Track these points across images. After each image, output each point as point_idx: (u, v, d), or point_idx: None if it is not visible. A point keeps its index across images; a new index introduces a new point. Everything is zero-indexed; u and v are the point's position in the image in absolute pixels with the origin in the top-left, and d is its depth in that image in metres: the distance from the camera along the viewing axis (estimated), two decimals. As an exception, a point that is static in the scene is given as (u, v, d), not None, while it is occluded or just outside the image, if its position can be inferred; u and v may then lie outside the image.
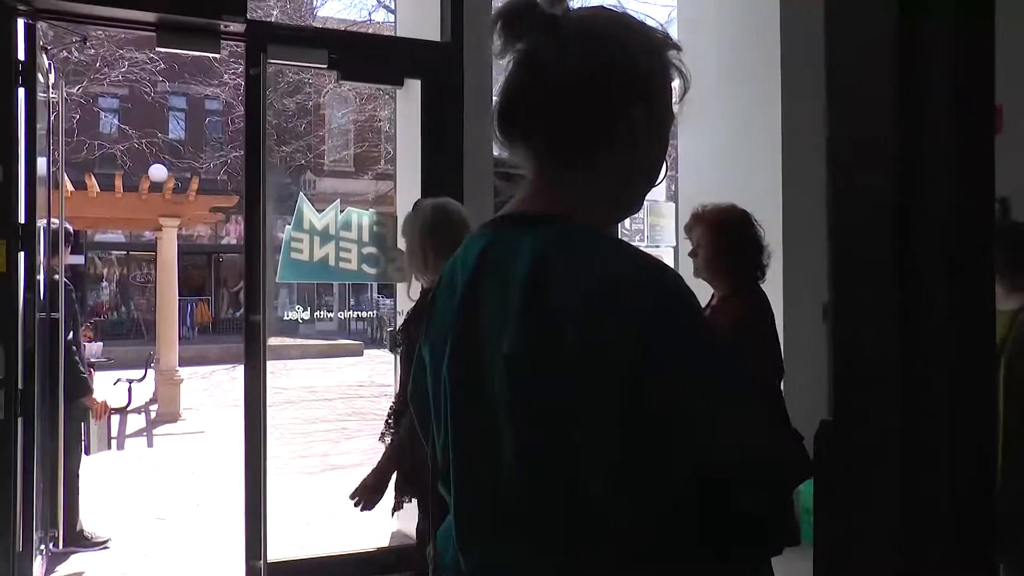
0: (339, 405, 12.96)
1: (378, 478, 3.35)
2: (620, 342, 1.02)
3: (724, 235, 3.27)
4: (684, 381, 1.04)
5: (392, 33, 7.90)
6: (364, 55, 5.38)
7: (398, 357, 3.53)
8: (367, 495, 3.33)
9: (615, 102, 1.17)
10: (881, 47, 0.94)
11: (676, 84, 1.24)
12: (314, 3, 23.71)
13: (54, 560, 5.27)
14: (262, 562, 4.58)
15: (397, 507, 3.45)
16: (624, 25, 1.20)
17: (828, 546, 1.04)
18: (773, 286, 3.40)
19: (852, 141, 0.97)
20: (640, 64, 1.18)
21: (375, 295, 24.35)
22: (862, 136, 0.95)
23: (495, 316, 1.13)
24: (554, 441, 1.06)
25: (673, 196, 8.69)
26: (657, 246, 7.78)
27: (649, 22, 1.22)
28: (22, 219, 4.28)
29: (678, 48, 1.23)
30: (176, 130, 26.21)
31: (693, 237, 3.37)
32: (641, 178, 1.25)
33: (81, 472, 5.79)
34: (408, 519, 5.27)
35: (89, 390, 5.88)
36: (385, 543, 5.44)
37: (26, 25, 4.30)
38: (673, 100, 1.24)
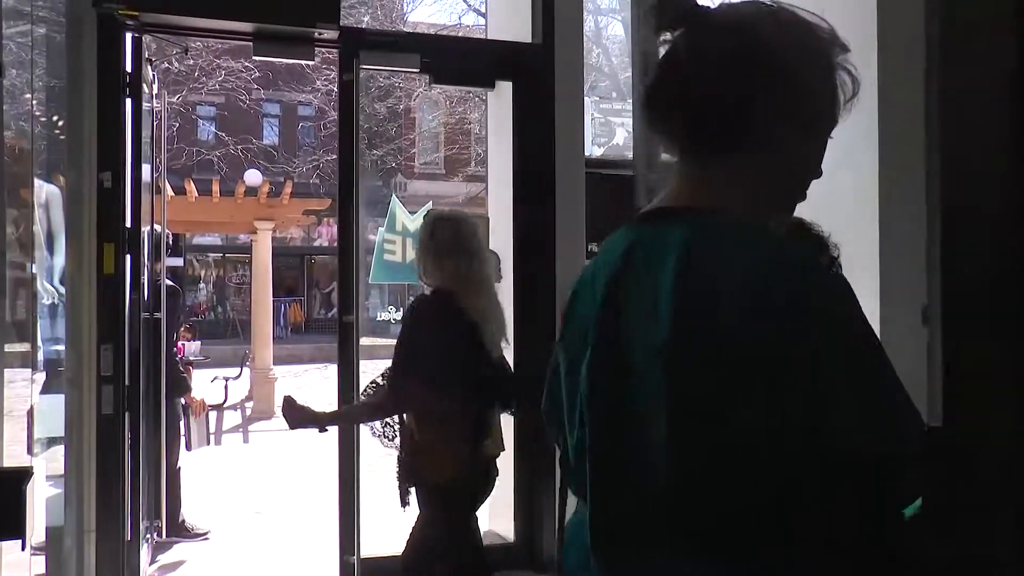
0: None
1: (321, 418, 3.40)
2: (766, 330, 1.02)
3: None
4: (825, 367, 1.02)
5: (482, 36, 7.96)
6: (455, 58, 5.44)
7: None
8: (293, 414, 3.30)
9: (752, 95, 1.16)
10: (994, 43, 0.93)
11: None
12: (404, 8, 24.00)
13: (158, 549, 5.47)
14: (355, 557, 4.67)
15: (403, 501, 3.42)
16: (771, 18, 1.19)
17: (939, 551, 1.03)
18: (869, 288, 3.33)
19: (963, 148, 0.96)
20: (784, 58, 1.17)
21: (463, 296, 24.50)
22: (973, 143, 0.94)
23: (643, 313, 1.11)
24: (711, 435, 1.05)
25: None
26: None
27: (813, 20, 1.21)
28: (128, 223, 4.46)
29: (844, 47, 1.21)
30: (270, 136, 26.79)
31: None
32: (787, 174, 1.22)
33: (181, 466, 5.99)
34: (501, 519, 5.33)
35: (188, 388, 6.08)
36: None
37: (133, 38, 4.48)
38: (841, 99, 1.22)
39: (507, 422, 5.44)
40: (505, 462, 5.22)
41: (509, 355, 5.14)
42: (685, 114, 1.19)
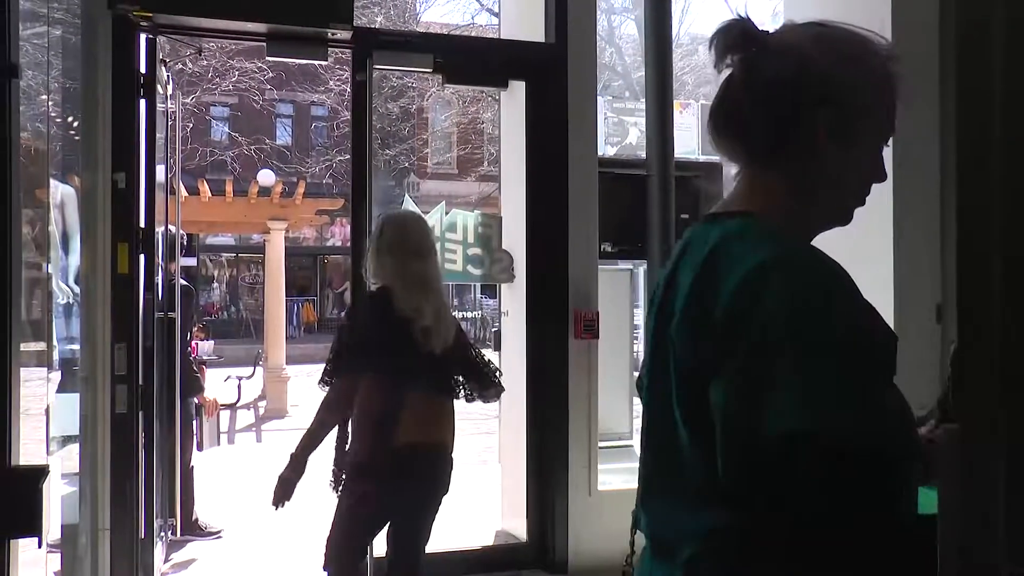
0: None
1: (295, 463, 3.45)
2: (750, 316, 1.14)
3: None
4: (791, 356, 1.12)
5: (495, 36, 7.96)
6: (469, 58, 5.46)
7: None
8: (279, 491, 3.44)
9: (800, 112, 1.27)
10: (1009, 40, 0.92)
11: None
12: (417, 8, 24.03)
13: (172, 547, 5.49)
14: (368, 557, 4.68)
15: (334, 485, 3.55)
16: (821, 39, 1.30)
17: (954, 553, 1.03)
18: (883, 286, 3.32)
19: (978, 147, 0.96)
20: (832, 77, 1.27)
21: (478, 295, 24.57)
22: (988, 142, 0.94)
23: (674, 305, 1.26)
24: (703, 407, 1.18)
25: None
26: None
27: (869, 36, 1.30)
28: (142, 223, 4.48)
29: (896, 61, 1.29)
30: (283, 136, 26.88)
31: None
32: (839, 182, 1.31)
33: (195, 465, 6.01)
34: (514, 518, 5.33)
35: (200, 388, 6.11)
36: (490, 542, 5.49)
37: (147, 40, 4.50)
38: (898, 110, 1.31)
39: (508, 423, 5.47)
40: (517, 462, 5.25)
41: (520, 351, 5.17)
42: (740, 130, 1.33)
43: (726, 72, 1.32)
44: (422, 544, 3.64)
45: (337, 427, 3.53)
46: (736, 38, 1.30)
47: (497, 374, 3.68)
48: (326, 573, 3.52)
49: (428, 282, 3.47)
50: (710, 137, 1.38)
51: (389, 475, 3.37)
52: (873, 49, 1.30)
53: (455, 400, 3.59)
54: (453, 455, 3.56)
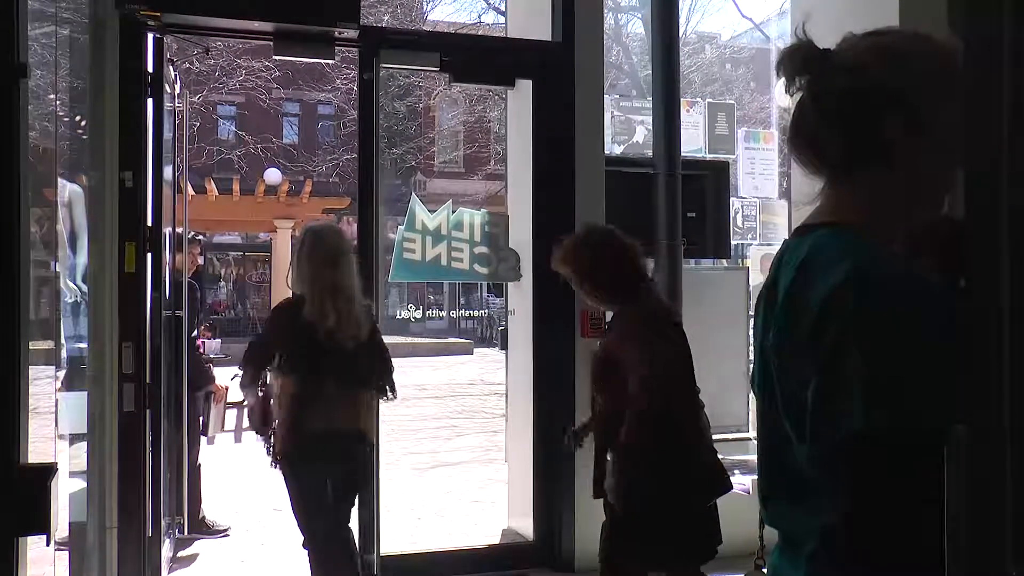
0: (449, 403, 13.12)
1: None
2: (835, 323, 1.20)
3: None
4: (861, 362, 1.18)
5: (502, 34, 7.96)
6: (476, 57, 5.45)
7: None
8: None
9: (863, 122, 1.32)
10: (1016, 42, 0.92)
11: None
12: (424, 7, 24.04)
13: (179, 545, 5.51)
14: (375, 555, 4.69)
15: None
16: (874, 47, 1.35)
17: (962, 556, 1.02)
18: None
19: (989, 148, 0.96)
20: (897, 89, 1.31)
21: (485, 294, 24.58)
22: (998, 143, 0.93)
23: (773, 312, 1.32)
24: (803, 411, 1.24)
25: (786, 193, 8.52)
26: (770, 244, 7.63)
27: (941, 42, 1.32)
28: (149, 222, 4.49)
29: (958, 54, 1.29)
30: (290, 135, 26.91)
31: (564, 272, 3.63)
32: (915, 189, 1.35)
33: (202, 463, 6.02)
34: (521, 518, 5.33)
35: (211, 378, 6.13)
36: (497, 540, 5.49)
37: (154, 39, 4.51)
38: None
39: (514, 421, 5.47)
40: (524, 461, 5.25)
41: (527, 350, 5.17)
42: (817, 148, 1.39)
43: (798, 95, 1.39)
44: (349, 515, 4.16)
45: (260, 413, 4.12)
46: (799, 62, 1.36)
47: (390, 384, 4.16)
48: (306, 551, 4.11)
49: (339, 288, 3.88)
50: (791, 156, 1.45)
51: (303, 457, 3.89)
52: (931, 48, 1.33)
53: (372, 390, 4.10)
54: (370, 438, 4.14)
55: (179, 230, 5.49)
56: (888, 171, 1.33)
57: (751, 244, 8.06)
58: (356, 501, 4.21)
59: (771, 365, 1.31)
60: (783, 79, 1.39)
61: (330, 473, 4.00)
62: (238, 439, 8.70)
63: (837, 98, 1.33)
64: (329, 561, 4.07)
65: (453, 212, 5.12)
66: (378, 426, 4.52)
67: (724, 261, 6.50)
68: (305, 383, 3.87)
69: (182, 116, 5.66)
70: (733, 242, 6.91)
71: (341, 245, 4.04)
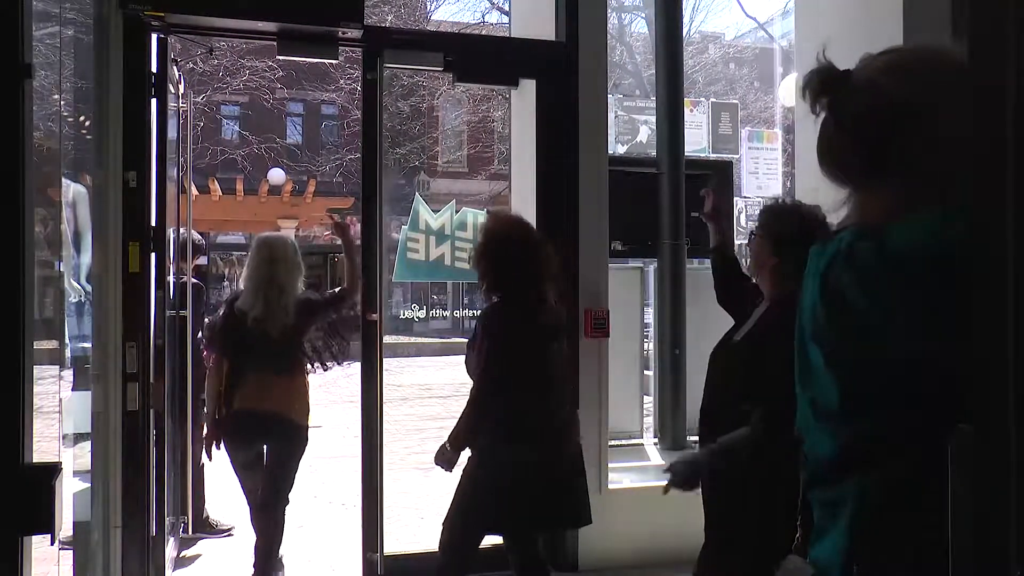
0: (453, 402, 13.11)
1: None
2: (855, 303, 1.32)
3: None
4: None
5: (506, 34, 7.96)
6: (479, 56, 5.45)
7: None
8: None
9: (879, 138, 1.40)
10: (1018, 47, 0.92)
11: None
12: (428, 7, 24.03)
13: (183, 545, 5.51)
14: (378, 554, 4.69)
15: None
16: (887, 65, 1.43)
17: (966, 555, 1.02)
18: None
19: (991, 147, 0.96)
20: (911, 104, 1.38)
21: (488, 294, 24.48)
22: (1005, 136, 0.93)
23: (809, 302, 1.43)
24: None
25: (789, 193, 8.52)
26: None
27: (937, 49, 1.43)
28: (153, 222, 4.49)
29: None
30: (293, 135, 26.89)
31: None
32: (936, 194, 1.38)
33: (205, 462, 6.02)
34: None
35: None
36: (500, 539, 5.48)
37: (159, 39, 4.52)
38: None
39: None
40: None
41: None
42: (841, 162, 1.49)
43: (823, 114, 1.48)
44: (281, 489, 4.70)
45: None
46: (819, 85, 1.45)
47: (330, 351, 5.06)
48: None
49: (272, 282, 4.51)
50: (822, 171, 1.54)
51: (233, 435, 4.52)
52: (943, 63, 1.39)
53: (305, 372, 4.68)
54: (300, 420, 4.58)
55: (182, 231, 5.49)
56: (905, 182, 1.39)
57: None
58: (290, 478, 4.70)
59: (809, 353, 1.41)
60: (808, 101, 1.48)
61: (257, 449, 4.62)
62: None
63: (854, 117, 1.42)
64: (263, 525, 4.71)
65: (457, 212, 5.13)
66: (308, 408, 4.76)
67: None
68: (235, 367, 4.50)
69: (186, 116, 5.66)
70: (737, 242, 6.89)
71: (285, 251, 4.63)
